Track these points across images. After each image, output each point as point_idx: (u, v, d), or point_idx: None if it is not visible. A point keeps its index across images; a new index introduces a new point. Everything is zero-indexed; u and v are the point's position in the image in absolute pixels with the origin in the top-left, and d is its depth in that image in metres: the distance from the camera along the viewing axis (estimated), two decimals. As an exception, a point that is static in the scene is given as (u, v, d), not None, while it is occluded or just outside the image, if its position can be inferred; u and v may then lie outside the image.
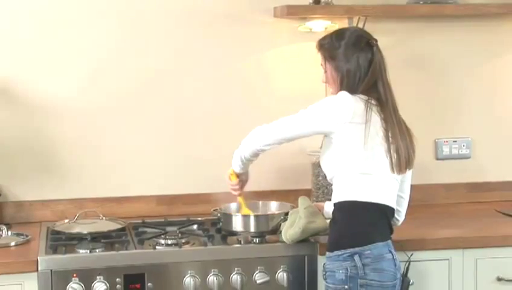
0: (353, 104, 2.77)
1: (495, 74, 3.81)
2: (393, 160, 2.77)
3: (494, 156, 3.83)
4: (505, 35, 3.79)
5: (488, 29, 3.77)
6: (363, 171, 2.76)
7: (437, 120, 3.73)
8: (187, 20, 3.54)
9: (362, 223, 2.77)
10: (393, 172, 2.78)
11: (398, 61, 3.41)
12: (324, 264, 2.81)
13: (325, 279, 2.81)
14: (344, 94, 2.80)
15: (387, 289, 2.74)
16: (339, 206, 2.80)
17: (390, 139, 2.77)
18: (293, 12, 3.42)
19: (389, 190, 2.80)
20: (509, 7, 3.59)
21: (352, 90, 2.81)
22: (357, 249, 2.71)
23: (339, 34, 2.88)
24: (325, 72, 2.90)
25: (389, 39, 3.34)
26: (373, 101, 2.79)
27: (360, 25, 3.51)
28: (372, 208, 2.77)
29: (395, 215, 2.88)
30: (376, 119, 2.77)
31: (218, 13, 3.56)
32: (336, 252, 2.74)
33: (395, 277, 2.76)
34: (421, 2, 3.55)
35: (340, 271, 2.72)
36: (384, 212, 2.80)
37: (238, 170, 3.06)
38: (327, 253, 2.79)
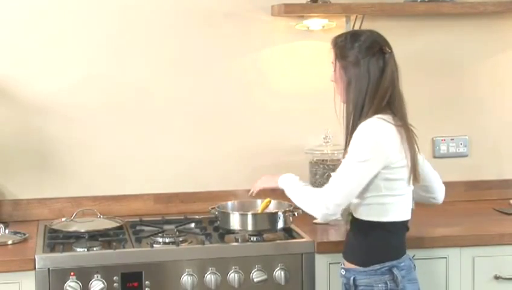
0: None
1: (492, 72, 3.81)
2: (411, 175, 2.75)
3: (491, 154, 3.83)
4: (502, 34, 3.79)
5: (486, 27, 3.76)
6: (398, 193, 2.73)
7: (434, 118, 3.73)
8: (185, 18, 3.54)
9: (398, 239, 2.77)
10: (409, 185, 2.78)
11: (396, 60, 3.41)
12: (354, 278, 2.74)
13: None
14: (374, 124, 2.69)
15: None
16: (375, 225, 2.73)
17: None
18: (290, 10, 3.42)
19: (409, 203, 2.81)
20: (507, 5, 3.59)
21: (360, 96, 2.71)
22: (394, 262, 2.72)
23: (354, 35, 2.78)
24: (334, 70, 2.79)
25: (386, 38, 3.34)
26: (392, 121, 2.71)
27: (358, 24, 3.52)
28: (405, 224, 2.79)
29: (433, 194, 2.98)
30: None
31: (216, 11, 3.55)
32: (373, 267, 2.71)
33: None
34: (419, 1, 3.55)
35: (380, 285, 2.70)
36: (407, 226, 2.82)
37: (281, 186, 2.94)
38: (358, 267, 2.74)
